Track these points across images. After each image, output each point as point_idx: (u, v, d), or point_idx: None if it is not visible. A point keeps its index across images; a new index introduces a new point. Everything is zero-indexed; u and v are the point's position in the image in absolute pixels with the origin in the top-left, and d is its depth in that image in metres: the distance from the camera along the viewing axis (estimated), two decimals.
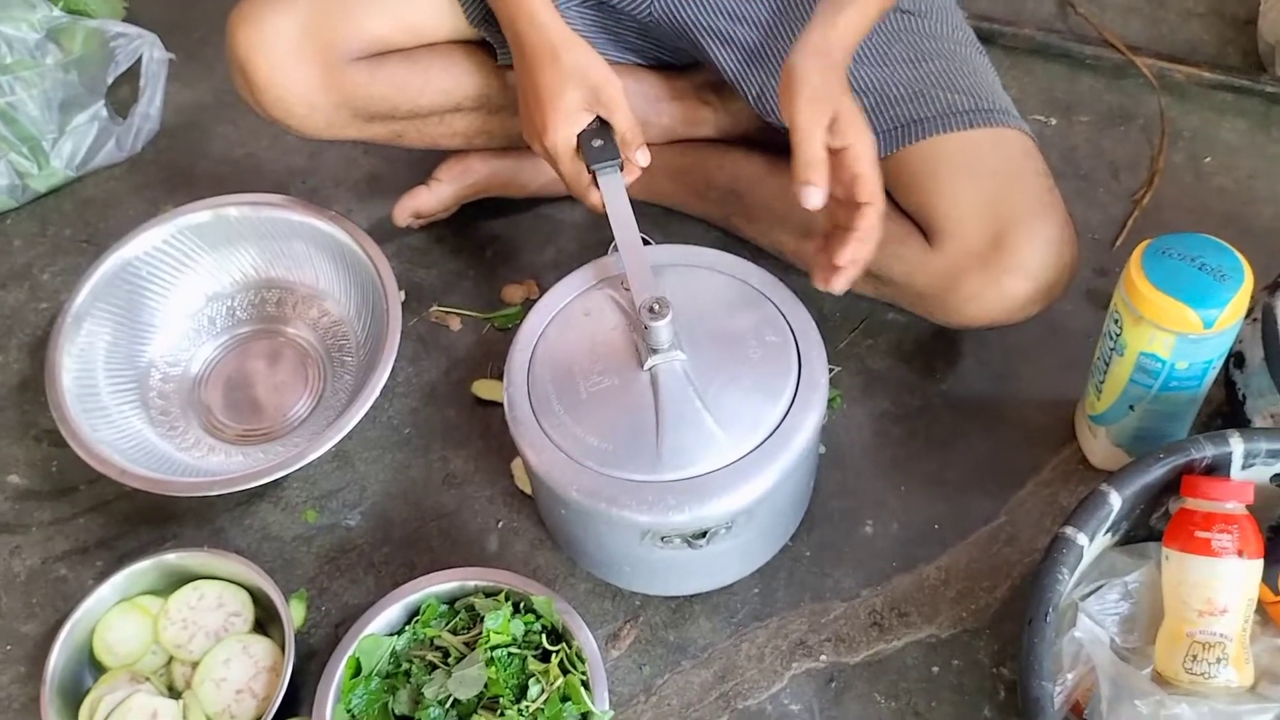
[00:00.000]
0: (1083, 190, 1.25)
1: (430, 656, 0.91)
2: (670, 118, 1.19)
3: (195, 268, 1.18)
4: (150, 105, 1.35)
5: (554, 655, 0.90)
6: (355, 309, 1.17)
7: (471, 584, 0.95)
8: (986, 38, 1.36)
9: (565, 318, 0.96)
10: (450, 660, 0.91)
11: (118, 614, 0.99)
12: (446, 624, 0.93)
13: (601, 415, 0.89)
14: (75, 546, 1.08)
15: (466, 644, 0.92)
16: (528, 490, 1.08)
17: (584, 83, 0.95)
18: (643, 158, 0.99)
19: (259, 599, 0.99)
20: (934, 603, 0.98)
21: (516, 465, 1.10)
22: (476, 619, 0.93)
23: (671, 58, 1.17)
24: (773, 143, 1.13)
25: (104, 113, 1.35)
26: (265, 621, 0.99)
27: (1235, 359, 0.97)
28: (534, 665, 0.90)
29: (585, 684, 0.88)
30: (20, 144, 1.31)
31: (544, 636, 0.92)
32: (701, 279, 0.97)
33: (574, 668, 0.89)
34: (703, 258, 0.99)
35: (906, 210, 1.05)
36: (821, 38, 0.91)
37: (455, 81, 1.11)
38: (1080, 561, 0.82)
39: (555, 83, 0.95)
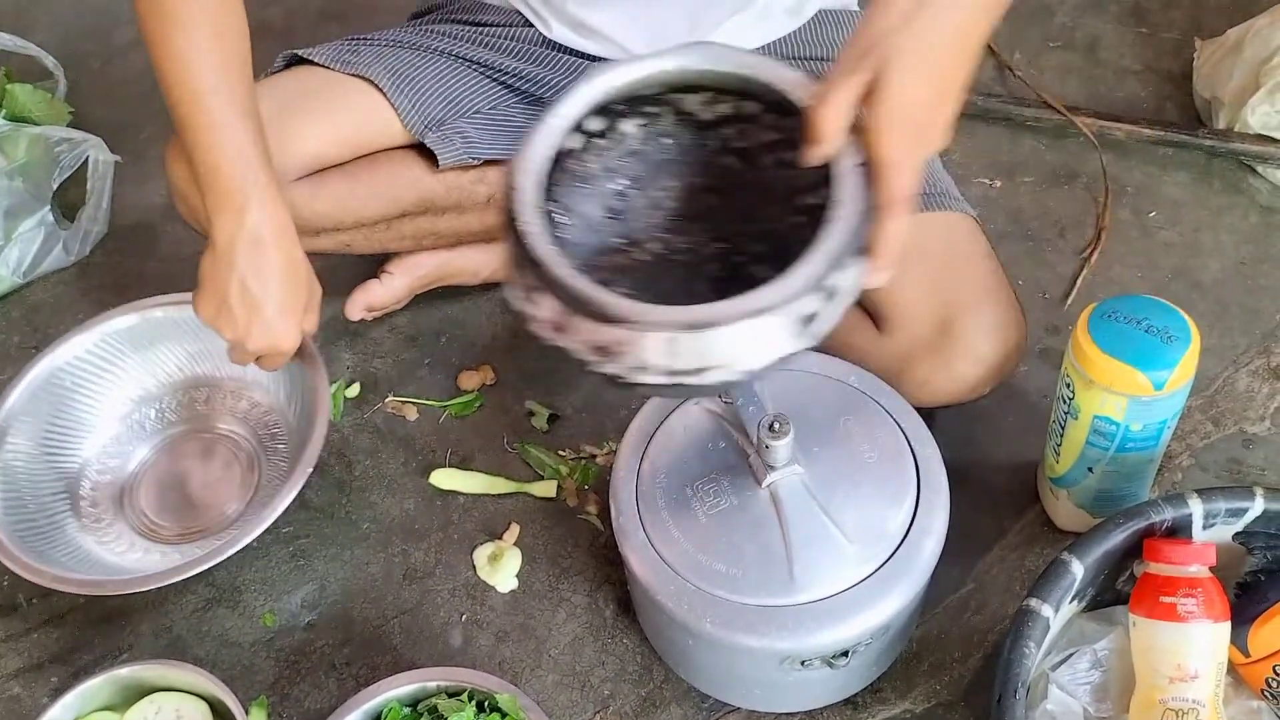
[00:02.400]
0: (1031, 250, 1.26)
1: None
2: None
3: (123, 372, 1.17)
4: (98, 209, 1.35)
5: None
6: (285, 395, 1.16)
7: (433, 684, 0.92)
8: None
9: (666, 437, 0.92)
10: None
11: None
12: None
13: (725, 539, 0.85)
14: (29, 663, 1.06)
15: None
16: (491, 581, 1.07)
17: (309, 292, 0.99)
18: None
19: (218, 709, 0.96)
20: (908, 677, 0.97)
21: (479, 555, 1.08)
22: None
23: None
24: None
25: (50, 218, 1.34)
26: None
27: None
28: None
29: None
30: None
31: None
32: (799, 382, 0.93)
33: None
34: (796, 359, 0.95)
35: None
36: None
37: (398, 190, 1.11)
38: (1047, 633, 0.81)
39: (294, 290, 0.97)
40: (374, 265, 1.23)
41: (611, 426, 1.16)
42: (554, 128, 0.77)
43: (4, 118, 1.36)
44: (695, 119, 0.82)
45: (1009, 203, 1.31)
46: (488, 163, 1.15)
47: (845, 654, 0.84)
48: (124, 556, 1.09)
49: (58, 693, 0.98)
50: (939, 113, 0.72)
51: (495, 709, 0.90)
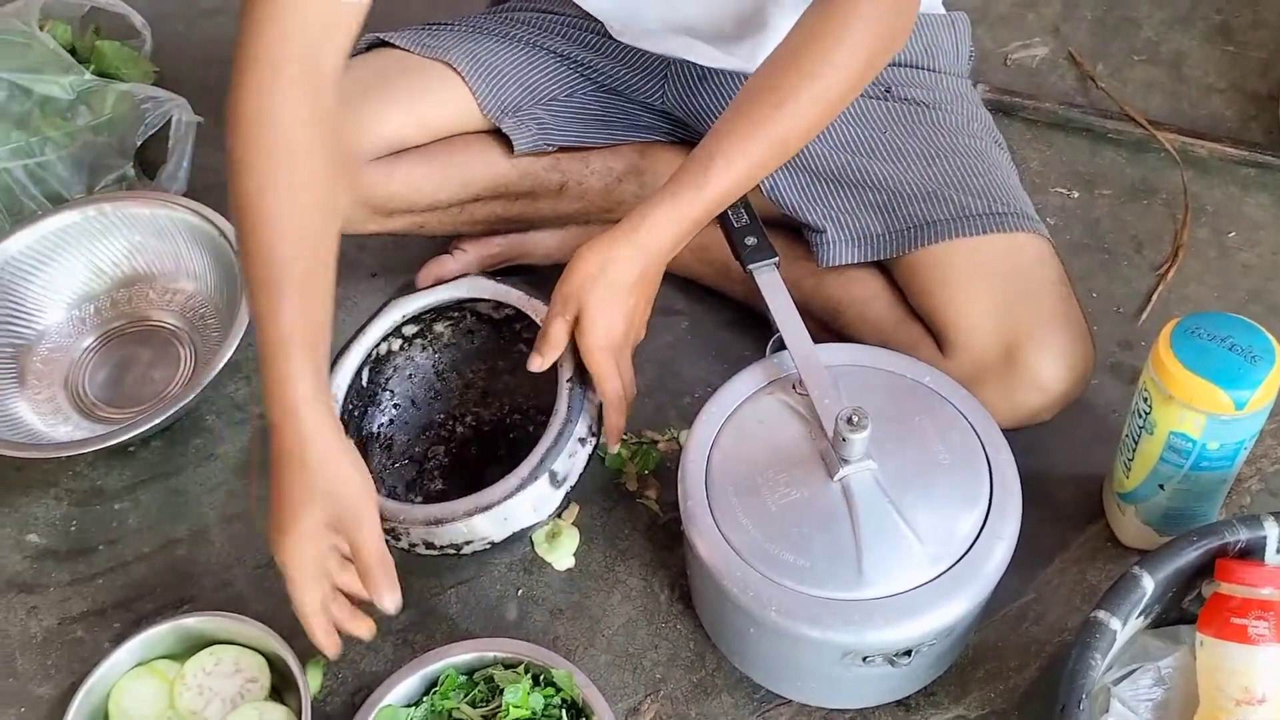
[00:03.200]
0: (1106, 264, 1.25)
1: None
2: None
3: (69, 264, 1.26)
4: (178, 168, 1.36)
5: None
6: (213, 284, 1.25)
7: (491, 655, 0.94)
8: (1007, 110, 1.38)
9: (738, 426, 0.92)
10: None
11: (133, 678, 0.98)
12: (465, 696, 0.92)
13: (795, 530, 0.85)
14: (93, 608, 1.08)
15: (485, 717, 0.91)
16: (548, 558, 1.07)
17: (331, 504, 0.83)
18: (390, 603, 0.85)
19: (276, 665, 0.98)
20: (962, 683, 0.97)
21: (537, 532, 1.09)
22: (496, 691, 0.92)
23: (692, 136, 1.18)
24: (788, 225, 1.13)
25: (131, 174, 1.36)
26: (282, 688, 0.98)
27: None
28: None
29: None
30: (48, 203, 1.32)
31: (564, 711, 0.90)
32: (873, 379, 0.93)
33: None
34: (871, 356, 0.96)
35: (919, 313, 1.05)
36: (623, 234, 0.93)
37: (472, 174, 1.12)
38: (1113, 646, 0.81)
39: (300, 496, 0.82)
40: (445, 239, 1.24)
41: (674, 414, 1.16)
42: (353, 357, 1.08)
43: (92, 72, 1.38)
44: (490, 318, 1.12)
45: (1086, 214, 1.29)
46: (562, 149, 1.15)
47: (908, 653, 0.84)
48: (54, 429, 1.19)
49: (119, 638, 1.01)
50: (629, 333, 0.96)
51: (550, 683, 0.91)
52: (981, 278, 1.00)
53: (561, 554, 1.08)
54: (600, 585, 1.06)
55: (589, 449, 0.99)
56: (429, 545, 0.98)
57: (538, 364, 0.97)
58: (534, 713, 0.90)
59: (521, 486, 0.95)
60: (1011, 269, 1.00)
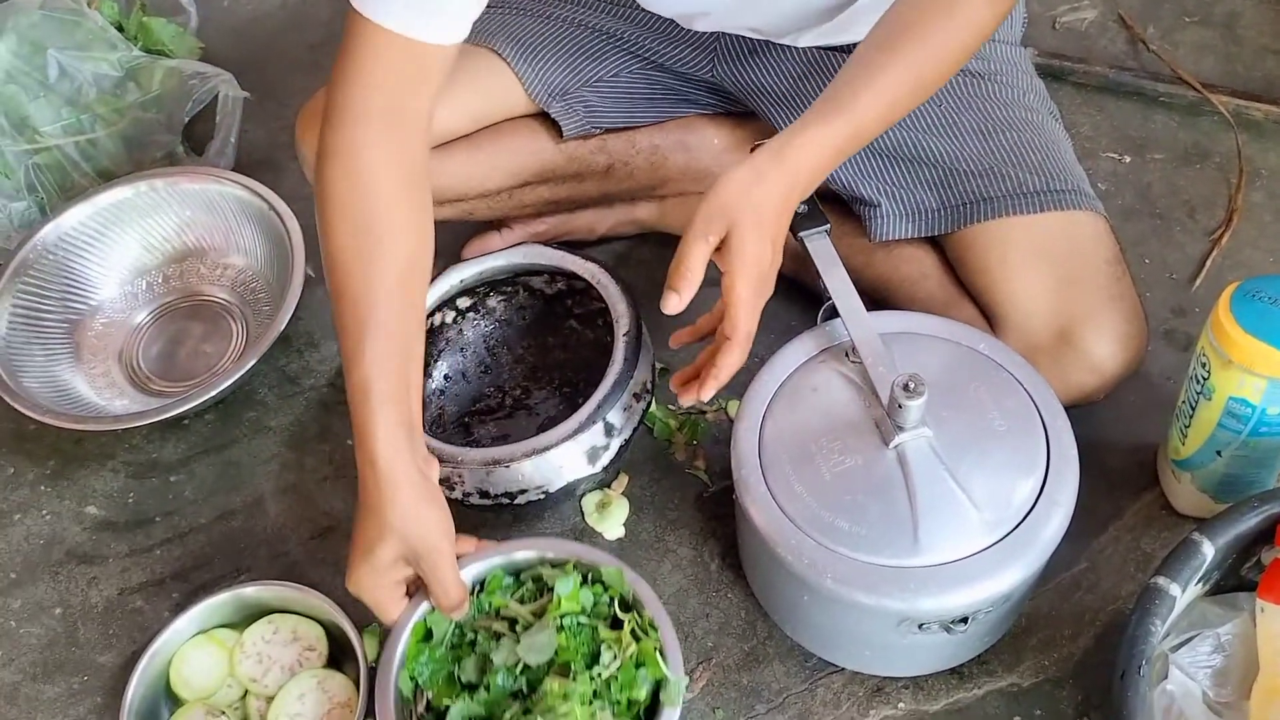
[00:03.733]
0: (1158, 229, 1.23)
1: (496, 626, 0.90)
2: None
3: (122, 238, 1.28)
4: (225, 143, 1.37)
5: (626, 623, 0.87)
6: (264, 258, 1.27)
7: (537, 555, 0.92)
8: (1057, 75, 1.36)
9: (790, 393, 0.92)
10: (518, 629, 0.89)
11: (194, 646, 1.00)
12: (512, 594, 0.92)
13: (849, 497, 0.85)
14: (151, 578, 1.10)
15: (534, 614, 0.89)
16: (598, 528, 1.08)
17: (407, 543, 0.85)
18: (459, 614, 0.89)
19: (333, 633, 0.99)
20: (1015, 650, 0.97)
21: (587, 502, 1.10)
22: (543, 589, 0.91)
23: (740, 109, 1.17)
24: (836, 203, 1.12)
25: (180, 149, 1.37)
26: (340, 656, 1.00)
27: None
28: (605, 634, 0.87)
29: (660, 650, 0.86)
30: (98, 180, 1.33)
31: (614, 606, 0.89)
32: (928, 346, 0.93)
33: (646, 635, 0.87)
34: (925, 324, 0.95)
35: (970, 291, 1.04)
36: (770, 155, 0.88)
37: (520, 161, 1.12)
38: (1172, 613, 0.81)
39: (374, 534, 0.85)
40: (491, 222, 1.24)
41: None
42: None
43: (140, 49, 1.39)
44: (542, 293, 1.14)
45: (1138, 179, 1.28)
46: (607, 131, 1.15)
47: (965, 620, 0.84)
48: (110, 402, 1.21)
49: (178, 608, 1.02)
50: (774, 264, 0.90)
51: (598, 582, 0.90)
52: (1036, 256, 0.99)
53: (612, 524, 1.08)
54: (650, 555, 1.06)
55: (642, 407, 1.00)
56: (483, 494, 0.98)
57: (674, 304, 0.87)
58: (583, 608, 0.88)
59: (579, 429, 0.96)
60: (1067, 248, 0.99)
